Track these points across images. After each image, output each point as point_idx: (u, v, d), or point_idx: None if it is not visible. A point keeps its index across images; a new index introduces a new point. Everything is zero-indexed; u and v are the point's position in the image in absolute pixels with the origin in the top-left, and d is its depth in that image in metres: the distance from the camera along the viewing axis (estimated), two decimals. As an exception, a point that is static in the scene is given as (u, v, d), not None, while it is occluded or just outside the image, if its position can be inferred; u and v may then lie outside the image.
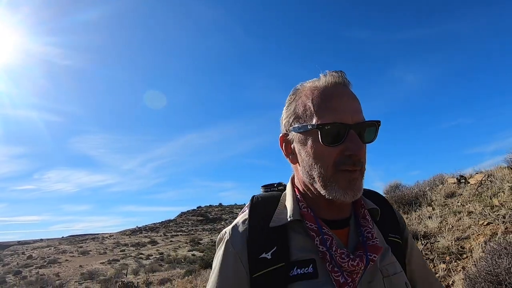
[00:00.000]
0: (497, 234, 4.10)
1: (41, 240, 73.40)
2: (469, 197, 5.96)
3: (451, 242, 4.49)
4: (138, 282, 18.35)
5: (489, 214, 4.76)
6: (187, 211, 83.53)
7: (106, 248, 45.32)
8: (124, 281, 18.17)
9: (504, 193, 5.13)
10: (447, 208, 5.95)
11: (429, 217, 5.69)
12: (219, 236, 0.92)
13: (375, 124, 0.84)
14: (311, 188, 0.87)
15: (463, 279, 3.43)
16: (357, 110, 0.84)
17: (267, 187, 1.05)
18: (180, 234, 58.04)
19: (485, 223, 4.62)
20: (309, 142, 0.83)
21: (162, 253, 38.46)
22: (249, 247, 0.84)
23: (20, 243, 67.67)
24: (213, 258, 0.93)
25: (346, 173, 0.80)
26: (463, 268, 3.82)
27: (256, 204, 0.93)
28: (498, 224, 4.37)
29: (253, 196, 0.97)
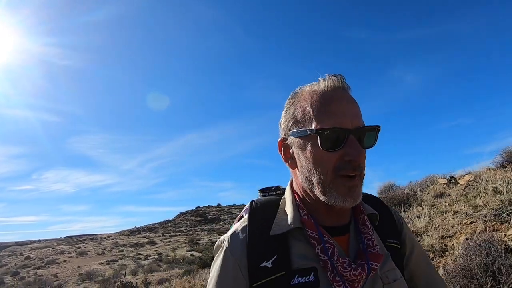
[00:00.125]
0: (480, 232, 4.35)
1: (39, 240, 73.62)
2: (456, 198, 6.22)
3: (436, 240, 4.74)
4: (136, 282, 18.51)
5: (472, 214, 5.02)
6: (186, 211, 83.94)
7: (105, 249, 45.48)
8: (122, 281, 18.36)
9: (487, 194, 5.39)
10: (435, 208, 6.21)
11: (417, 217, 5.95)
12: (217, 243, 0.91)
13: (375, 129, 0.84)
14: (310, 193, 0.86)
15: (442, 274, 3.68)
16: (357, 115, 0.83)
17: (264, 191, 1.03)
18: (179, 235, 58.22)
19: (468, 222, 4.88)
20: (308, 147, 0.82)
21: (160, 254, 38.64)
22: (249, 256, 0.82)
23: (18, 243, 67.85)
24: (211, 258, 0.93)
25: (346, 179, 0.80)
26: (444, 264, 4.08)
27: (255, 210, 0.92)
28: (479, 223, 4.63)
29: (252, 202, 0.96)
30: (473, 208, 5.25)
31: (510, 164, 6.65)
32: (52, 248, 49.49)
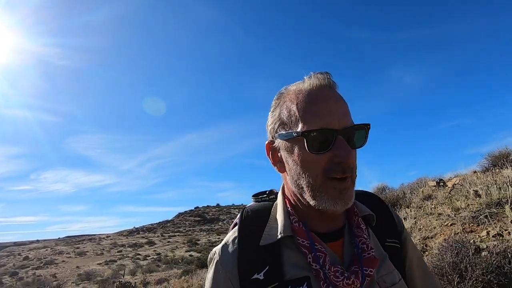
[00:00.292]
0: (455, 233, 4.70)
1: (38, 241, 73.93)
2: (442, 200, 6.57)
3: (418, 241, 5.09)
4: (135, 283, 18.79)
5: (454, 216, 5.37)
6: (185, 211, 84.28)
7: (103, 249, 45.79)
8: (121, 281, 18.63)
9: (468, 197, 5.74)
10: (422, 210, 6.56)
11: (404, 218, 6.29)
12: (209, 256, 0.89)
13: (365, 128, 0.80)
14: (301, 198, 0.83)
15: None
16: (345, 114, 0.79)
17: (257, 197, 1.01)
18: (178, 235, 58.59)
19: (449, 224, 5.23)
20: (296, 150, 0.79)
21: (159, 254, 38.95)
22: (240, 268, 0.81)
23: (16, 244, 68.14)
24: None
25: (336, 182, 0.77)
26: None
27: (246, 219, 0.90)
28: (458, 225, 4.98)
29: (243, 210, 0.94)
30: (455, 210, 5.60)
31: (494, 168, 6.99)
32: (51, 249, 49.80)
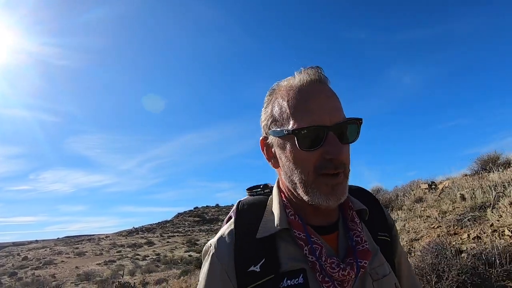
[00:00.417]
0: (439, 236, 4.96)
1: (36, 241, 74.28)
2: (431, 203, 6.83)
3: (406, 243, 5.35)
4: (134, 283, 19.02)
5: (440, 219, 5.63)
6: (184, 211, 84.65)
7: (102, 249, 46.04)
8: (120, 281, 18.82)
9: (456, 200, 5.99)
10: (412, 213, 6.82)
11: (394, 220, 6.55)
12: (204, 249, 0.90)
13: (356, 122, 0.81)
14: (295, 193, 0.85)
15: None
16: (336, 109, 0.80)
17: (252, 190, 1.02)
18: (177, 235, 58.83)
19: (436, 226, 5.48)
20: (288, 147, 0.81)
21: (158, 254, 39.19)
22: (237, 261, 0.82)
23: (15, 244, 68.44)
24: None
25: (329, 178, 0.78)
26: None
27: (242, 212, 0.91)
28: (443, 228, 5.23)
29: (239, 203, 0.95)
30: (442, 213, 5.86)
31: (483, 171, 7.24)
32: (50, 249, 50.03)
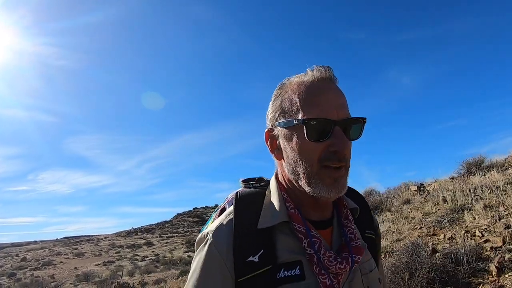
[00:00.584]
0: (419, 236, 5.33)
1: (35, 242, 74.72)
2: (417, 205, 7.20)
3: (389, 243, 5.72)
4: (133, 283, 19.33)
5: (423, 220, 6.00)
6: (183, 212, 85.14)
7: (101, 250, 46.38)
8: (119, 282, 19.11)
9: (438, 203, 6.36)
10: (399, 214, 7.19)
11: (382, 222, 6.93)
12: (199, 237, 0.91)
13: (361, 121, 0.86)
14: (296, 185, 0.88)
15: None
16: (343, 106, 0.85)
17: (247, 182, 1.04)
18: (176, 236, 59.24)
19: (418, 227, 5.86)
20: (295, 138, 0.84)
21: (157, 255, 39.53)
22: (236, 250, 0.83)
23: (13, 245, 68.83)
24: None
25: (331, 170, 0.82)
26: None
27: (241, 203, 0.92)
28: (424, 229, 5.61)
29: (237, 193, 0.96)
30: (426, 215, 6.23)
31: (469, 174, 7.61)
32: (49, 249, 50.40)
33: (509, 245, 3.93)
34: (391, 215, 7.35)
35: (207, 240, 0.87)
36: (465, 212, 5.31)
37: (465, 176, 7.75)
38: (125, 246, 48.62)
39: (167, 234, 62.52)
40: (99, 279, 26.65)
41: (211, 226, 0.92)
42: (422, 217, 6.17)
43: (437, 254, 4.39)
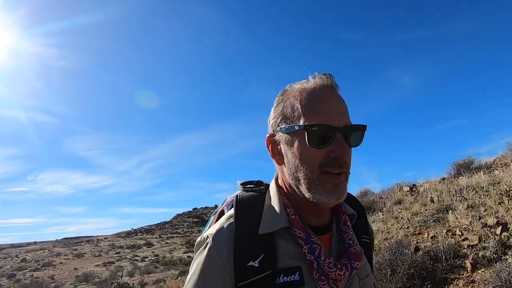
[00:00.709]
0: (405, 235, 5.63)
1: (35, 243, 75.07)
2: (408, 205, 7.48)
3: (379, 242, 6.01)
4: (133, 284, 19.60)
5: (411, 220, 6.29)
6: (183, 212, 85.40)
7: (101, 251, 46.69)
8: (119, 282, 19.34)
9: (426, 203, 6.65)
10: (390, 214, 7.48)
11: (373, 222, 7.21)
12: (198, 240, 0.91)
13: (361, 128, 0.89)
14: (296, 190, 0.90)
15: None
16: (344, 113, 0.88)
17: (246, 186, 1.05)
18: (176, 236, 59.56)
19: (406, 227, 6.14)
20: (296, 143, 0.86)
21: (157, 255, 39.82)
22: (236, 255, 0.83)
23: (13, 246, 69.16)
24: None
25: (332, 176, 0.84)
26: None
27: (242, 207, 0.93)
28: (411, 228, 5.90)
29: (237, 196, 0.97)
30: (414, 215, 6.52)
31: (458, 175, 7.89)
32: (48, 250, 50.68)
33: (484, 243, 4.22)
34: (382, 215, 7.63)
35: (207, 244, 0.87)
36: (450, 212, 5.60)
37: (455, 177, 8.03)
38: (125, 247, 48.92)
39: (167, 234, 62.83)
40: (99, 280, 26.83)
41: (210, 229, 0.92)
42: (411, 217, 6.46)
43: (419, 252, 4.69)
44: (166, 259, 35.93)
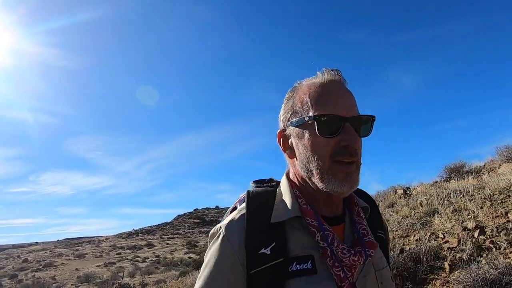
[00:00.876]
0: (393, 238, 5.92)
1: (36, 243, 75.66)
2: (399, 208, 7.77)
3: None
4: (134, 284, 19.88)
5: (401, 223, 6.58)
6: (184, 213, 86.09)
7: (103, 251, 47.10)
8: (120, 283, 19.60)
9: (416, 206, 6.94)
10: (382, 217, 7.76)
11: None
12: (212, 231, 0.95)
13: (370, 119, 0.92)
14: (309, 182, 0.92)
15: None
16: (353, 105, 0.91)
17: (258, 183, 1.09)
18: (177, 237, 59.97)
19: (395, 230, 6.44)
20: (306, 135, 0.90)
21: (158, 256, 40.18)
22: (248, 243, 0.86)
23: (15, 246, 69.76)
24: None
25: (343, 165, 0.86)
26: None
27: (253, 199, 0.96)
28: (399, 231, 6.19)
29: (249, 191, 1.00)
30: (404, 218, 6.81)
31: (450, 179, 8.18)
32: (50, 251, 51.16)
33: (462, 245, 4.51)
34: (376, 217, 7.91)
35: (219, 234, 0.91)
36: (436, 215, 5.89)
37: (446, 180, 8.31)
38: (126, 248, 49.29)
39: (168, 235, 63.24)
40: (100, 280, 27.20)
41: (224, 221, 0.96)
42: (400, 220, 6.75)
43: (404, 253, 4.98)
44: (167, 259, 36.24)
